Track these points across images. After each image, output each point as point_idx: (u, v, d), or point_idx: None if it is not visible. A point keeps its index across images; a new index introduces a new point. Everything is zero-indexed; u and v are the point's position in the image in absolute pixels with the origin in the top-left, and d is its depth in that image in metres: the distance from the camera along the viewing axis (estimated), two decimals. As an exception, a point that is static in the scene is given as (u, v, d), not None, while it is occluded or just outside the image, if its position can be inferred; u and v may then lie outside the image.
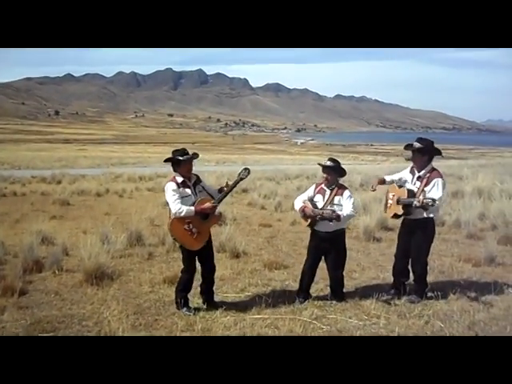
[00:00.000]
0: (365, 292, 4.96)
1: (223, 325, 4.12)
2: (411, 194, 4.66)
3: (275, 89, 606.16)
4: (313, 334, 3.87)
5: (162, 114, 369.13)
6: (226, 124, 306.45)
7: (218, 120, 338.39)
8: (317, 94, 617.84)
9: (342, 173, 4.78)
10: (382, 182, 5.11)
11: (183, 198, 4.43)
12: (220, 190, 4.61)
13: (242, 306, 4.65)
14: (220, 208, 4.74)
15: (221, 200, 4.52)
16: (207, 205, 4.40)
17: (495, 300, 4.57)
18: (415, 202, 4.44)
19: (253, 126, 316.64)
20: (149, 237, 8.10)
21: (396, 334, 3.80)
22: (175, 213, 4.36)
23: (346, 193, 4.70)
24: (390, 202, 4.95)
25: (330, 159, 4.81)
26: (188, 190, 4.49)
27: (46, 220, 9.73)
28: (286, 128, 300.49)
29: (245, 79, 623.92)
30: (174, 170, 4.54)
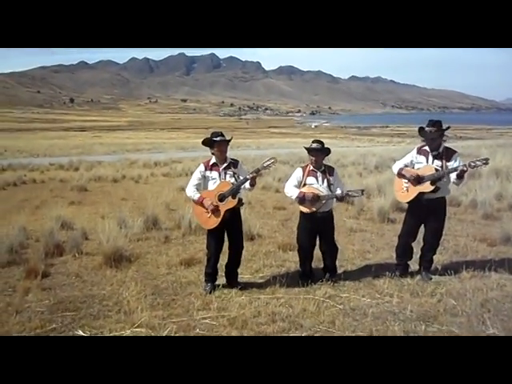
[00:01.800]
0: (378, 272, 5.00)
1: (238, 304, 4.23)
2: (437, 171, 4.64)
3: (288, 71, 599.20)
4: (326, 313, 3.95)
5: (176, 99, 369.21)
6: (240, 108, 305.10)
7: (232, 104, 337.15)
8: (331, 75, 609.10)
9: (328, 152, 4.88)
10: (402, 175, 4.92)
11: (209, 181, 4.73)
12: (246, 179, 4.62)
13: (256, 287, 4.76)
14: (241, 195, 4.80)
15: (234, 188, 4.58)
16: (206, 201, 4.61)
17: (509, 279, 4.57)
18: (461, 167, 4.38)
19: (266, 109, 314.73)
20: (165, 221, 8.25)
21: (408, 312, 3.85)
22: (186, 192, 4.81)
23: (336, 172, 4.89)
24: (404, 186, 4.89)
25: (315, 141, 4.85)
26: (215, 173, 4.71)
27: (65, 206, 10.00)
28: (300, 111, 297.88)
29: (258, 62, 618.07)
30: (211, 152, 4.77)
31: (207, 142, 4.72)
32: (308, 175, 4.83)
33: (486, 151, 19.13)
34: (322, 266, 5.05)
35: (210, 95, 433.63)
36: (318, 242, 4.96)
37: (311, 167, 4.84)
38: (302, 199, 4.74)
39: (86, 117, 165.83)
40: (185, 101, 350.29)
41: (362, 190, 4.73)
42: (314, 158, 4.77)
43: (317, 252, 5.04)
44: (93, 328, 3.80)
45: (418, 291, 4.41)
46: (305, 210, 4.79)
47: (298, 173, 4.92)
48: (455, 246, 6.02)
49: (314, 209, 4.72)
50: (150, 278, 5.20)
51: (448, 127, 4.79)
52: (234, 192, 4.58)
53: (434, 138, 4.66)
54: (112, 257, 5.79)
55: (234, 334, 3.60)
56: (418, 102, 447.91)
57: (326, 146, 4.84)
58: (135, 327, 3.70)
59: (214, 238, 4.74)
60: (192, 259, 5.80)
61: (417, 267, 5.05)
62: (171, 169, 19.31)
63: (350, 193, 4.65)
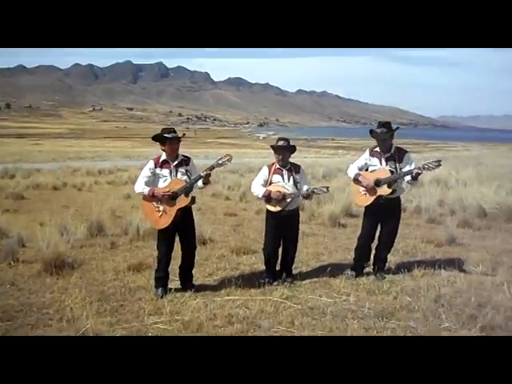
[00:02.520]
0: (333, 272, 4.98)
1: (192, 307, 4.02)
2: (392, 173, 4.71)
3: (237, 83, 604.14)
4: (284, 313, 3.84)
5: (122, 107, 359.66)
6: (188, 118, 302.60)
7: (180, 114, 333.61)
8: (278, 88, 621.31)
9: (294, 149, 4.85)
10: (358, 181, 4.97)
11: (159, 178, 4.48)
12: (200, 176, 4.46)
13: (210, 289, 4.57)
14: (193, 193, 4.61)
15: (187, 186, 4.39)
16: (157, 191, 4.39)
17: (458, 276, 4.71)
18: (416, 170, 4.48)
19: (215, 120, 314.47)
20: (111, 227, 7.83)
21: (366, 310, 3.84)
22: (135, 189, 4.53)
23: (302, 169, 4.86)
24: (362, 191, 4.90)
25: (281, 139, 4.81)
26: (166, 171, 4.47)
27: (-1, 213, 9.23)
28: (248, 122, 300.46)
29: (206, 73, 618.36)
30: (162, 149, 4.52)
31: (158, 138, 4.49)
32: (274, 173, 4.76)
33: (427, 172, 20.21)
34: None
35: (157, 104, 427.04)
36: None
37: (277, 165, 4.78)
38: (268, 198, 4.67)
39: (23, 123, 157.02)
40: (131, 109, 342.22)
41: (327, 187, 4.72)
42: (280, 156, 4.71)
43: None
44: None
45: (373, 290, 4.43)
46: (271, 208, 4.72)
47: (264, 171, 4.84)
48: (405, 247, 6.17)
49: (280, 208, 4.64)
50: (96, 284, 4.84)
51: (397, 127, 4.90)
52: (188, 190, 4.39)
53: (386, 139, 4.74)
54: (52, 263, 5.33)
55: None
56: (361, 116, 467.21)
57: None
58: (79, 335, 3.37)
59: (165, 238, 4.51)
60: (141, 264, 5.48)
61: (370, 268, 5.10)
62: (116, 177, 18.50)
63: (315, 190, 4.62)
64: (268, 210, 4.78)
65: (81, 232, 7.16)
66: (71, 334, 3.40)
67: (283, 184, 4.67)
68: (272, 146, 4.79)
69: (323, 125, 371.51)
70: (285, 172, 4.73)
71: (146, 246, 6.65)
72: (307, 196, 4.65)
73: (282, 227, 4.75)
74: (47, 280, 5.02)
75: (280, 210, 4.66)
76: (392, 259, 5.43)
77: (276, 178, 4.73)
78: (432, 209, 9.02)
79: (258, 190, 4.77)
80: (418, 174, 4.50)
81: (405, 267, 5.00)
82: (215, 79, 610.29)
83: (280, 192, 4.61)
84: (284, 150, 4.71)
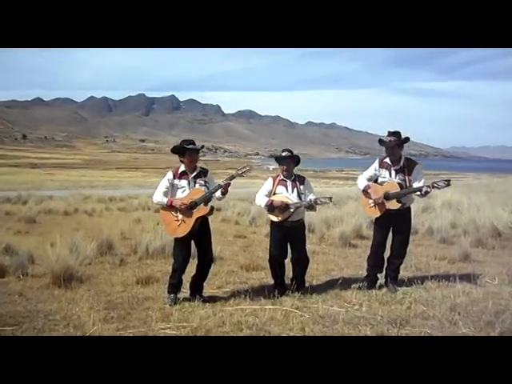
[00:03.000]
0: (344, 285, 4.88)
1: (200, 316, 3.93)
2: (401, 186, 4.68)
3: (247, 115, 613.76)
4: (294, 321, 3.74)
5: (134, 139, 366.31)
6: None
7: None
8: (288, 120, 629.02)
9: (298, 161, 4.85)
10: (368, 193, 4.95)
11: (177, 189, 4.51)
12: (220, 186, 4.48)
13: (220, 300, 4.49)
14: (212, 203, 4.61)
15: (207, 195, 4.41)
16: (176, 201, 4.41)
17: (474, 287, 4.57)
18: (425, 189, 4.45)
19: (225, 151, 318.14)
20: (120, 247, 7.82)
21: (379, 318, 3.72)
22: (153, 199, 4.55)
23: (307, 181, 4.84)
24: (371, 201, 4.87)
25: (285, 150, 4.83)
26: (184, 182, 4.50)
27: (10, 234, 9.29)
28: (258, 154, 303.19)
29: (217, 106, 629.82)
30: (180, 160, 4.56)
31: (178, 149, 4.54)
32: (278, 184, 4.77)
33: (436, 190, 20.08)
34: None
35: (168, 136, 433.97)
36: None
37: (281, 177, 4.79)
38: (270, 207, 4.66)
39: (38, 153, 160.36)
40: (143, 141, 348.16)
41: (331, 197, 4.68)
42: (284, 167, 4.72)
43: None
44: (36, 341, 3.37)
45: (386, 300, 4.32)
46: (274, 218, 4.69)
47: (268, 183, 4.85)
48: (418, 264, 6.04)
49: (282, 217, 4.61)
50: (104, 295, 4.79)
51: (407, 137, 4.85)
52: (207, 200, 4.40)
53: (394, 148, 4.73)
54: (61, 276, 5.31)
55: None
56: (370, 147, 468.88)
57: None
58: (80, 334, 3.31)
59: (183, 247, 4.49)
60: (149, 277, 5.44)
61: (383, 282, 4.98)
62: (127, 204, 18.63)
63: (318, 200, 4.58)
64: (272, 222, 4.77)
65: (90, 250, 7.15)
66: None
67: (287, 195, 4.67)
68: (276, 157, 4.80)
69: (333, 156, 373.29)
70: (289, 183, 4.73)
71: (156, 263, 6.61)
72: (310, 206, 4.60)
73: (287, 238, 4.72)
74: (55, 292, 4.99)
75: (283, 220, 4.63)
76: (405, 274, 5.30)
77: (280, 188, 4.74)
78: (444, 229, 8.85)
79: (261, 200, 4.78)
80: (427, 193, 4.48)
81: (418, 280, 4.88)
82: (226, 111, 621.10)
83: (282, 202, 4.60)
84: (288, 161, 4.72)
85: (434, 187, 4.47)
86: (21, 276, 5.74)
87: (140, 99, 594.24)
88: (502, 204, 13.43)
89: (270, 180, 4.87)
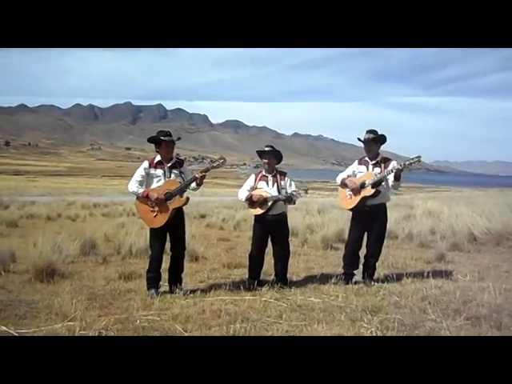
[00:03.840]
0: (323, 280, 5.03)
1: (181, 305, 4.03)
2: (377, 176, 4.86)
3: (234, 125, 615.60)
4: (273, 310, 3.86)
5: (120, 147, 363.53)
6: (185, 159, 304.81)
7: (178, 155, 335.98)
8: (275, 131, 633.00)
9: (281, 157, 5.03)
10: (345, 184, 5.16)
11: (152, 178, 4.58)
12: (195, 178, 4.59)
13: (201, 292, 4.58)
14: (187, 194, 4.75)
15: (182, 187, 4.52)
16: (151, 193, 4.47)
17: (445, 282, 4.76)
18: (397, 166, 4.66)
19: (212, 161, 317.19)
20: (103, 248, 7.83)
21: (354, 306, 3.87)
22: (128, 187, 4.61)
23: (287, 177, 5.00)
24: (348, 194, 5.08)
25: (268, 146, 5.01)
26: (159, 171, 4.58)
27: (-9, 237, 9.19)
28: (244, 164, 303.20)
29: (204, 115, 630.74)
30: (156, 150, 4.64)
31: (154, 140, 4.63)
32: (260, 180, 4.97)
33: (419, 202, 20.45)
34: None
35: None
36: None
37: (263, 172, 4.98)
38: (250, 201, 4.84)
39: (21, 160, 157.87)
40: (129, 149, 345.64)
41: (306, 190, 4.88)
42: (266, 161, 4.89)
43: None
44: (17, 325, 3.42)
45: (362, 293, 4.48)
46: (254, 211, 4.86)
47: (251, 178, 5.07)
48: (395, 264, 6.21)
49: (262, 210, 4.76)
50: (86, 289, 4.84)
51: (383, 135, 5.05)
52: (182, 191, 4.51)
53: (371, 143, 4.96)
54: (44, 271, 5.33)
55: (178, 327, 3.38)
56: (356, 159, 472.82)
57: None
58: (67, 321, 3.37)
59: (158, 237, 4.58)
60: (132, 273, 5.49)
61: (360, 278, 5.13)
62: (112, 210, 18.50)
63: (294, 193, 4.75)
64: (254, 217, 4.94)
65: (73, 249, 7.16)
66: (58, 325, 3.40)
67: (267, 189, 4.86)
68: (258, 152, 4.98)
69: (319, 167, 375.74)
70: (270, 178, 4.92)
71: (139, 262, 6.64)
72: (288, 199, 4.76)
73: (268, 232, 4.89)
74: (37, 286, 5.01)
75: (263, 213, 4.79)
76: (381, 272, 5.47)
77: (261, 184, 4.94)
78: (423, 234, 9.09)
79: (242, 194, 4.98)
80: (399, 170, 4.65)
81: (394, 277, 5.04)
82: (213, 121, 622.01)
83: (261, 195, 4.78)
84: (269, 155, 4.91)
85: (405, 166, 4.65)
86: (2, 273, 5.73)
87: (127, 107, 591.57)
88: (479, 212, 13.81)
89: (253, 176, 5.08)
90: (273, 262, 5.12)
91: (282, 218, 4.93)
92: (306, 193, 6.84)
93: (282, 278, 4.90)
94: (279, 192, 4.82)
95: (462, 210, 15.76)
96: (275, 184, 4.87)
